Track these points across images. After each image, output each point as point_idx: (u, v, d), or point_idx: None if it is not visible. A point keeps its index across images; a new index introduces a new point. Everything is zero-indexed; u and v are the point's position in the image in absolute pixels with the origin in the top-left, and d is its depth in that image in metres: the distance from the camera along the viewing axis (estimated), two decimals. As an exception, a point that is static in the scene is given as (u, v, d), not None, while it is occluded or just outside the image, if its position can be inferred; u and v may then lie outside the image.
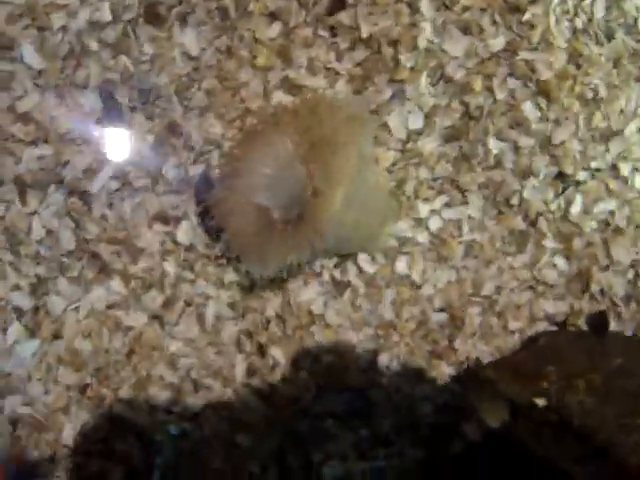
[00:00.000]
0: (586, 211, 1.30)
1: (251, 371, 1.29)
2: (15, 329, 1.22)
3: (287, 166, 1.13)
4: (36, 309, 1.23)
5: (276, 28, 1.25)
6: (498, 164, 1.27)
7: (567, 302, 1.32)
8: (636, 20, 1.30)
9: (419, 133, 1.26)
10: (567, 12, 1.27)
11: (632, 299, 1.33)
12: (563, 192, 1.28)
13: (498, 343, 1.32)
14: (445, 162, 1.26)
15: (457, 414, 1.28)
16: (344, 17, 1.24)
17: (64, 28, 1.22)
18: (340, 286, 1.29)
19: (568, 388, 1.12)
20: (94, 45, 1.22)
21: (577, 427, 1.08)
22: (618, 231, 1.32)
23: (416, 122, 1.26)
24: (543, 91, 1.26)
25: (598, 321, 1.32)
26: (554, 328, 1.33)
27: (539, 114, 1.27)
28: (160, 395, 1.27)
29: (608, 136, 1.28)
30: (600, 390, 1.12)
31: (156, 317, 1.26)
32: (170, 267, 1.25)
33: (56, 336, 1.24)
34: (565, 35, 1.26)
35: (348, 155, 1.04)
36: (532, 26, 1.26)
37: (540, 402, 1.11)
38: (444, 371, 1.31)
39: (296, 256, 1.10)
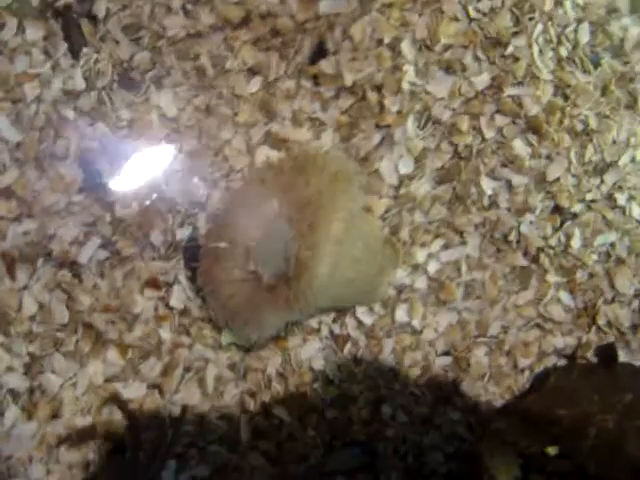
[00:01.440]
0: (586, 244, 1.27)
1: (256, 432, 1.24)
2: (12, 413, 1.19)
3: (274, 228, 1.09)
4: (31, 390, 1.20)
5: (256, 82, 1.23)
6: (493, 203, 1.25)
7: (575, 336, 1.30)
8: (622, 41, 1.26)
9: (411, 177, 1.23)
10: (550, 41, 1.24)
11: (639, 328, 1.29)
12: (562, 226, 1.25)
13: (509, 383, 1.29)
14: (439, 205, 1.24)
15: (469, 462, 1.23)
16: (326, 65, 1.22)
17: (38, 98, 1.20)
18: (340, 340, 1.26)
19: (580, 434, 1.09)
20: (70, 114, 1.19)
21: (591, 476, 1.04)
22: (620, 262, 1.29)
23: (407, 166, 1.24)
24: (532, 127, 1.23)
25: (607, 353, 1.29)
26: (564, 361, 1.30)
27: (530, 150, 1.24)
28: (165, 465, 1.22)
29: (602, 168, 1.26)
30: (613, 434, 1.09)
31: (155, 386, 1.21)
32: (166, 333, 1.23)
33: (55, 415, 1.21)
34: (550, 66, 1.24)
35: (334, 218, 1.01)
36: (516, 59, 1.23)
37: (552, 451, 1.08)
38: (452, 417, 1.27)
39: (288, 319, 1.09)
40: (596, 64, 1.25)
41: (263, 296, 1.06)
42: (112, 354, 1.22)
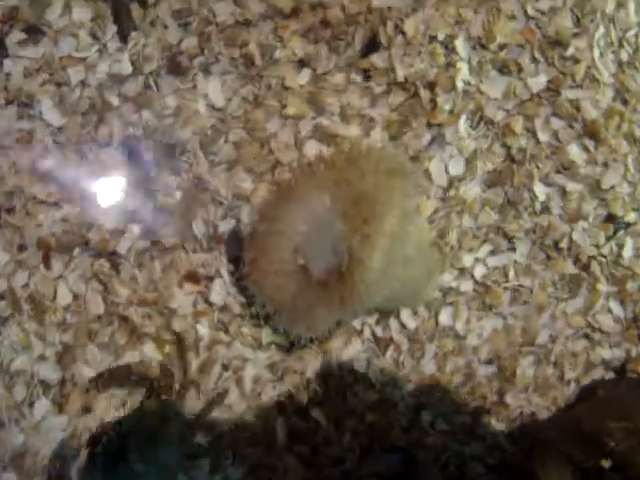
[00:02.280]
0: (638, 254, 1.23)
1: (293, 434, 1.20)
2: (42, 405, 1.16)
3: (324, 222, 1.05)
4: (63, 381, 1.17)
5: (305, 74, 1.19)
6: (545, 209, 1.22)
7: (623, 348, 1.26)
8: (684, 48, 1.21)
9: (460, 179, 1.20)
10: (611, 44, 1.21)
11: (691, 343, 1.23)
12: (614, 235, 1.21)
13: (554, 394, 1.26)
14: (489, 209, 1.20)
15: (511, 475, 1.19)
16: (378, 60, 1.18)
17: (83, 83, 1.17)
18: (382, 343, 1.23)
19: (634, 449, 1.04)
20: (115, 100, 1.16)
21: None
22: (672, 273, 1.22)
23: (457, 168, 1.20)
24: (590, 132, 1.20)
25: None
26: (611, 375, 1.26)
27: (586, 156, 1.20)
28: (198, 464, 1.18)
29: (660, 176, 1.19)
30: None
31: (192, 382, 1.17)
32: (204, 329, 1.18)
33: (87, 409, 1.16)
34: (610, 69, 1.19)
35: (390, 215, 0.97)
36: (576, 61, 1.20)
37: (606, 464, 1.04)
38: (494, 428, 1.23)
39: (341, 317, 1.07)
40: (657, 69, 1.20)
41: (314, 292, 1.02)
42: (149, 348, 1.18)
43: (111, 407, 1.17)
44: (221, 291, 1.19)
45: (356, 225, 0.98)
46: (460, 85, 1.18)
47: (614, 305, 1.24)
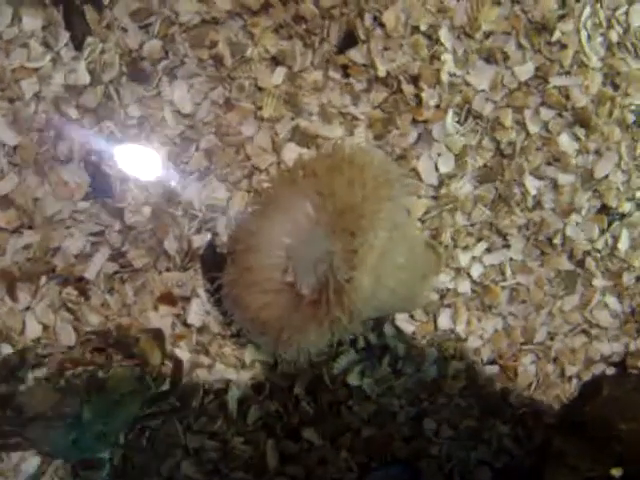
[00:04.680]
0: (634, 245, 1.20)
1: (284, 456, 1.15)
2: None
3: (310, 234, 0.98)
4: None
5: (280, 73, 1.11)
6: (537, 204, 1.17)
7: (622, 342, 1.23)
8: (676, 24, 1.15)
9: (451, 177, 1.14)
10: (600, 25, 1.14)
11: (690, 333, 1.19)
12: (609, 227, 1.18)
13: (556, 392, 1.23)
14: (482, 205, 1.15)
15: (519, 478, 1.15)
16: (356, 55, 1.11)
17: (37, 96, 1.07)
18: (377, 351, 1.17)
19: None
20: (73, 112, 1.06)
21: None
22: (669, 261, 1.18)
23: (446, 165, 1.14)
24: (580, 120, 1.15)
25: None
26: (612, 369, 1.24)
27: (577, 146, 1.16)
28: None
29: (654, 163, 1.14)
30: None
31: (173, 411, 1.09)
32: (183, 353, 1.11)
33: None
34: (599, 52, 1.14)
35: (378, 228, 0.91)
36: (563, 46, 1.13)
37: (617, 473, 1.00)
38: (500, 431, 1.20)
39: (333, 338, 0.97)
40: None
41: (303, 312, 0.94)
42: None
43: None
44: (199, 311, 1.12)
45: (343, 240, 0.90)
46: (445, 78, 1.11)
47: (610, 300, 1.21)
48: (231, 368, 1.14)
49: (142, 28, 1.08)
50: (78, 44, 1.07)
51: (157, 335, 1.09)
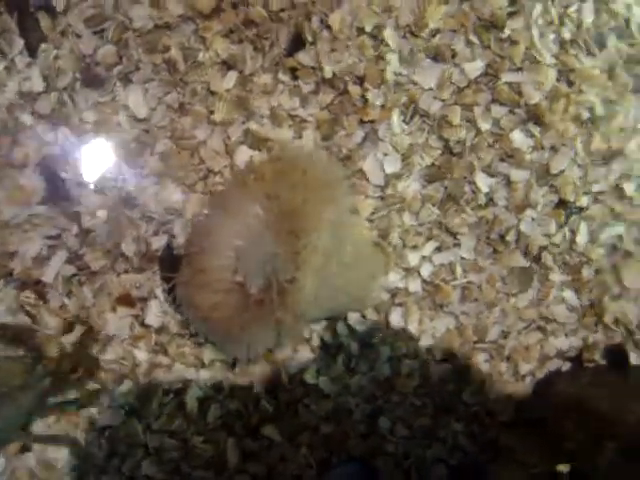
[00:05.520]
0: (592, 238, 1.19)
1: (245, 454, 1.17)
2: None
3: (259, 236, 1.00)
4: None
5: (232, 77, 1.13)
6: (490, 201, 1.16)
7: (580, 336, 1.23)
8: (628, 22, 1.16)
9: (398, 176, 1.14)
10: (551, 22, 1.14)
11: (648, 325, 1.18)
12: (567, 221, 1.17)
13: (510, 390, 1.22)
14: (430, 205, 1.14)
15: (473, 475, 1.15)
16: (304, 57, 1.12)
17: (-8, 103, 1.06)
18: (332, 350, 1.17)
19: (596, 449, 1.01)
20: (28, 119, 1.08)
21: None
22: (628, 255, 1.21)
23: (393, 165, 1.15)
24: (534, 116, 1.14)
25: (616, 355, 1.20)
26: (568, 365, 1.23)
27: (532, 142, 1.15)
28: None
29: (609, 157, 1.16)
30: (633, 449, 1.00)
31: (133, 412, 1.11)
32: (142, 354, 1.13)
33: (25, 449, 1.11)
34: (552, 49, 1.13)
35: (320, 229, 0.94)
36: (513, 42, 1.13)
37: (564, 469, 1.00)
38: (455, 428, 1.20)
39: (279, 337, 1.02)
40: (601, 46, 1.15)
41: (251, 311, 0.97)
42: (85, 378, 1.10)
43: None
44: (157, 312, 1.13)
45: (286, 241, 0.93)
46: (391, 77, 1.12)
47: (568, 294, 1.20)
48: (190, 368, 1.16)
49: (96, 34, 1.10)
50: (32, 51, 1.09)
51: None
